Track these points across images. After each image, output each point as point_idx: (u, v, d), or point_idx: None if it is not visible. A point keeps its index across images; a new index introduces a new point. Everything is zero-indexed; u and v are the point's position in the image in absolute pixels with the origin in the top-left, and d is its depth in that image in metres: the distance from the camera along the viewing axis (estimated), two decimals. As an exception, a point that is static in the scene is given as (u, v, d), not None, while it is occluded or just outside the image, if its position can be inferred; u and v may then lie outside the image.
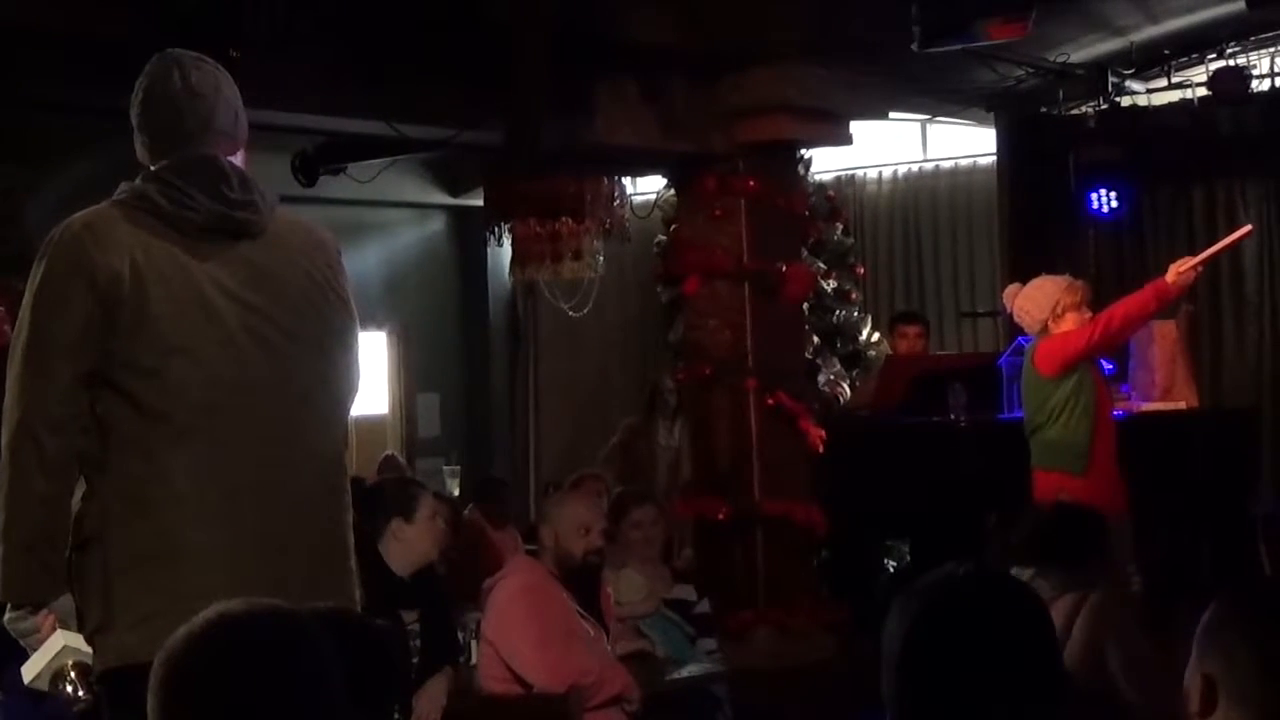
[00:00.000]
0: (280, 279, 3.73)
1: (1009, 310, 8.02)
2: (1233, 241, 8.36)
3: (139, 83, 3.79)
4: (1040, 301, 7.74)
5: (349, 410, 3.92)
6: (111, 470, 3.58)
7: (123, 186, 3.72)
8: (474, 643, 6.49)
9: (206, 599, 3.33)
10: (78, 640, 3.59)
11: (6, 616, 3.66)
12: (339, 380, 3.85)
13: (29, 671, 3.61)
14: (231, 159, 3.77)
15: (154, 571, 3.54)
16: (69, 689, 3.58)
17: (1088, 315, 7.69)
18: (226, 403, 3.61)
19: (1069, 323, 7.67)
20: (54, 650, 3.57)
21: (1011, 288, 8.02)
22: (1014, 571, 4.97)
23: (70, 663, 3.57)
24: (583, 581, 6.21)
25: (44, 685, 3.60)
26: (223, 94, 3.77)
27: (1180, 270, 7.68)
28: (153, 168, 3.73)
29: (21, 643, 3.64)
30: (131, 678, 3.19)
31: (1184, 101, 10.93)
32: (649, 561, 7.31)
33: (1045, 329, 7.70)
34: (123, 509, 3.57)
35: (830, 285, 11.31)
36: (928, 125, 12.77)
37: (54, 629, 3.60)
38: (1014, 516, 6.11)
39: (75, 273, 3.54)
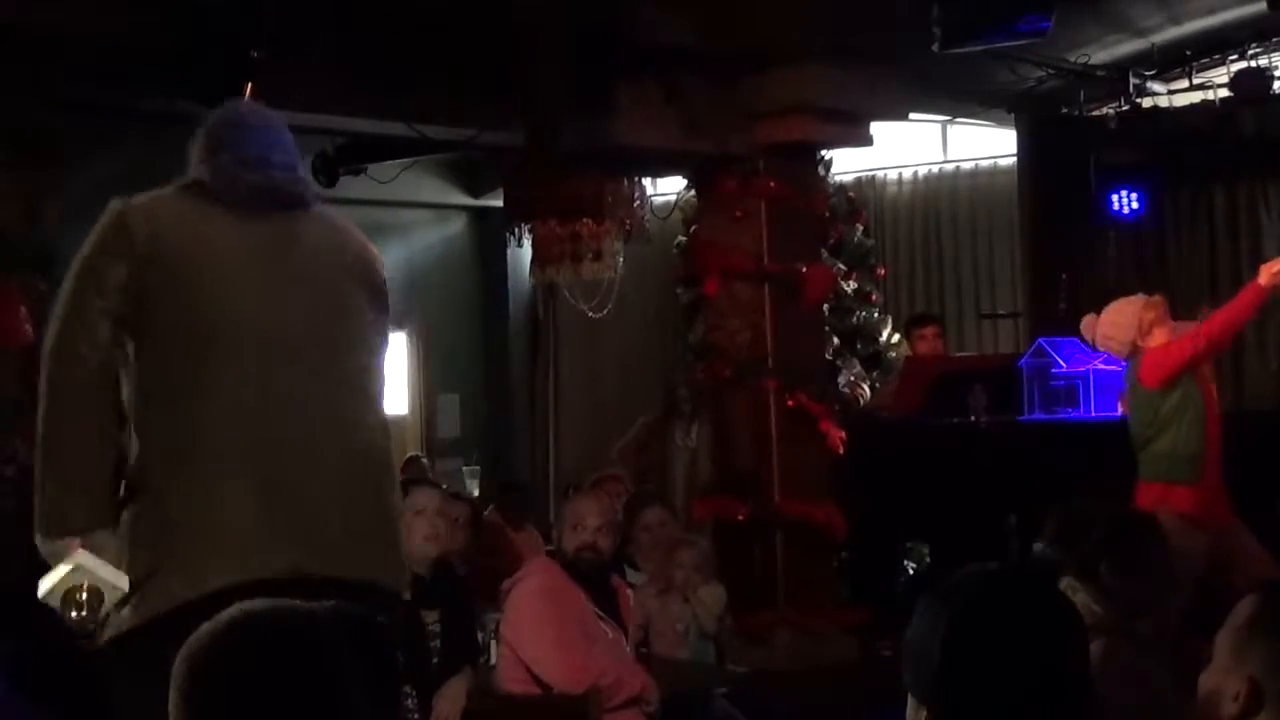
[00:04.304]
0: (319, 249, 3.95)
1: (1091, 341, 7.98)
2: None
3: (205, 123, 4.01)
4: (1123, 324, 7.70)
5: (378, 376, 4.06)
6: (152, 424, 3.76)
7: (175, 183, 3.95)
8: (493, 643, 6.49)
9: (240, 543, 3.62)
10: (96, 563, 3.66)
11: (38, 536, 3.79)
12: (368, 344, 4.02)
13: (44, 584, 3.66)
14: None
15: (191, 518, 3.70)
16: (74, 612, 3.61)
17: (1173, 326, 7.65)
18: (257, 358, 3.79)
19: (1160, 336, 7.62)
20: (69, 567, 3.63)
21: (1088, 319, 7.95)
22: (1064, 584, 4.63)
23: (84, 584, 3.61)
24: (600, 582, 6.21)
25: (55, 602, 3.65)
26: (284, 133, 4.01)
27: (1272, 270, 7.58)
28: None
29: (50, 562, 3.73)
30: (179, 619, 3.34)
31: (1205, 102, 10.92)
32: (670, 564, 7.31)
33: (1136, 348, 7.66)
34: (161, 461, 3.74)
35: (850, 286, 11.30)
36: (948, 126, 12.77)
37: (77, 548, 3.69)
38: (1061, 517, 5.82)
39: (119, 233, 3.78)
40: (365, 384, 3.98)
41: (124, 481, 3.78)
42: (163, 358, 3.76)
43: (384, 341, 4.11)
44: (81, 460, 3.75)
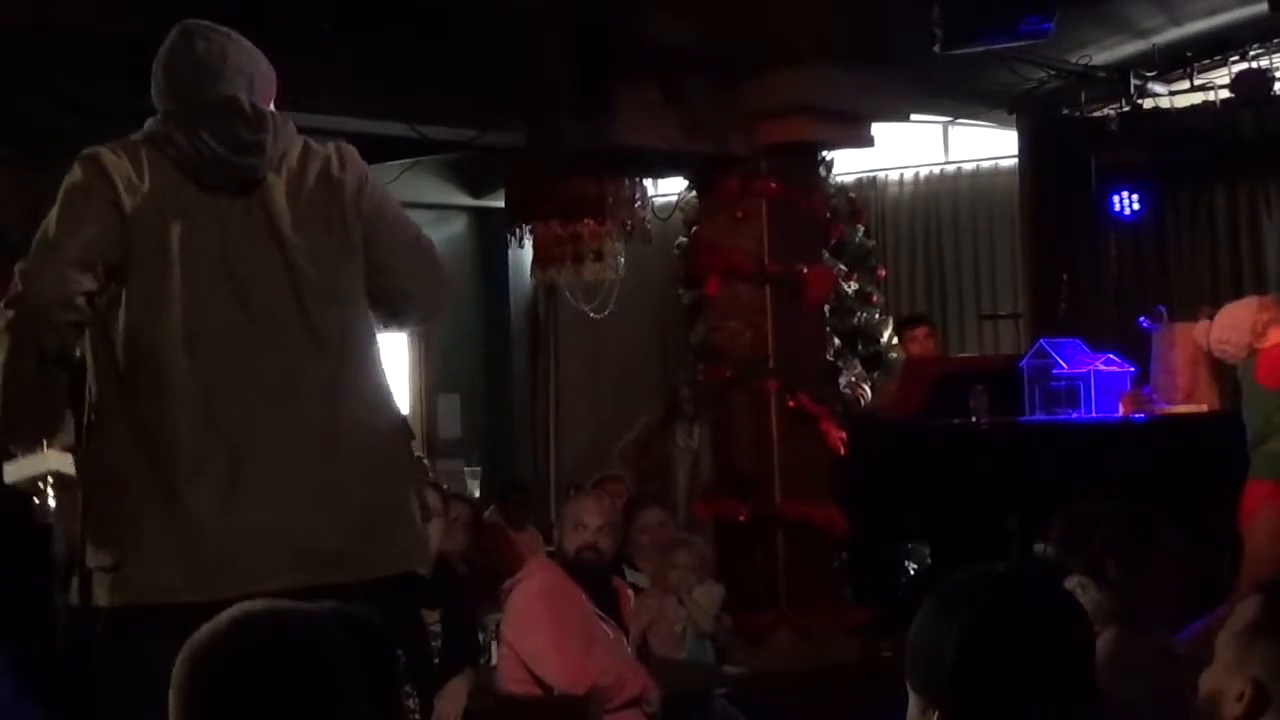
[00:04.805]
0: (289, 221, 3.72)
1: (1205, 346, 7.96)
2: None
3: (156, 64, 3.83)
4: (1237, 327, 7.72)
5: (364, 330, 3.83)
6: (112, 410, 3.61)
7: (148, 123, 3.77)
8: (494, 644, 6.49)
9: (204, 542, 3.49)
10: (68, 463, 3.65)
11: None
12: (359, 318, 3.81)
13: (10, 473, 3.71)
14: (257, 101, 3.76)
15: (154, 513, 3.55)
16: (36, 499, 3.64)
17: None
18: (223, 345, 3.62)
19: (1276, 336, 7.61)
20: (42, 467, 3.67)
21: (1201, 325, 7.95)
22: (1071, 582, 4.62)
23: (50, 473, 3.66)
24: (600, 582, 6.21)
25: (23, 486, 3.70)
26: (230, 62, 3.77)
27: None
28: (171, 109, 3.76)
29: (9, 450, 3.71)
30: (131, 618, 3.43)
31: (1206, 103, 10.92)
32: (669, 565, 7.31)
33: (1253, 351, 7.65)
34: (125, 450, 3.59)
35: (851, 287, 11.29)
36: (949, 127, 12.77)
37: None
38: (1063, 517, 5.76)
39: (93, 187, 3.63)
40: (356, 366, 3.78)
41: (89, 474, 3.64)
42: (125, 341, 3.60)
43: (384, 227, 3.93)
44: (36, 401, 3.63)
